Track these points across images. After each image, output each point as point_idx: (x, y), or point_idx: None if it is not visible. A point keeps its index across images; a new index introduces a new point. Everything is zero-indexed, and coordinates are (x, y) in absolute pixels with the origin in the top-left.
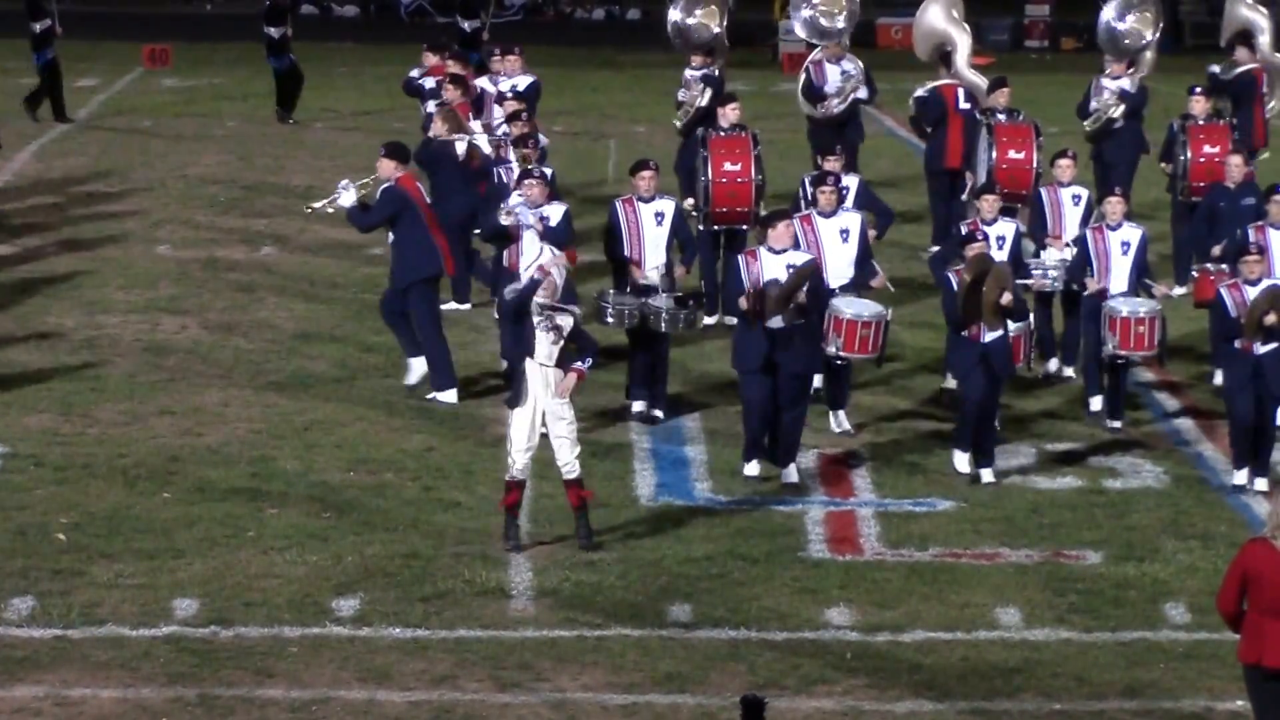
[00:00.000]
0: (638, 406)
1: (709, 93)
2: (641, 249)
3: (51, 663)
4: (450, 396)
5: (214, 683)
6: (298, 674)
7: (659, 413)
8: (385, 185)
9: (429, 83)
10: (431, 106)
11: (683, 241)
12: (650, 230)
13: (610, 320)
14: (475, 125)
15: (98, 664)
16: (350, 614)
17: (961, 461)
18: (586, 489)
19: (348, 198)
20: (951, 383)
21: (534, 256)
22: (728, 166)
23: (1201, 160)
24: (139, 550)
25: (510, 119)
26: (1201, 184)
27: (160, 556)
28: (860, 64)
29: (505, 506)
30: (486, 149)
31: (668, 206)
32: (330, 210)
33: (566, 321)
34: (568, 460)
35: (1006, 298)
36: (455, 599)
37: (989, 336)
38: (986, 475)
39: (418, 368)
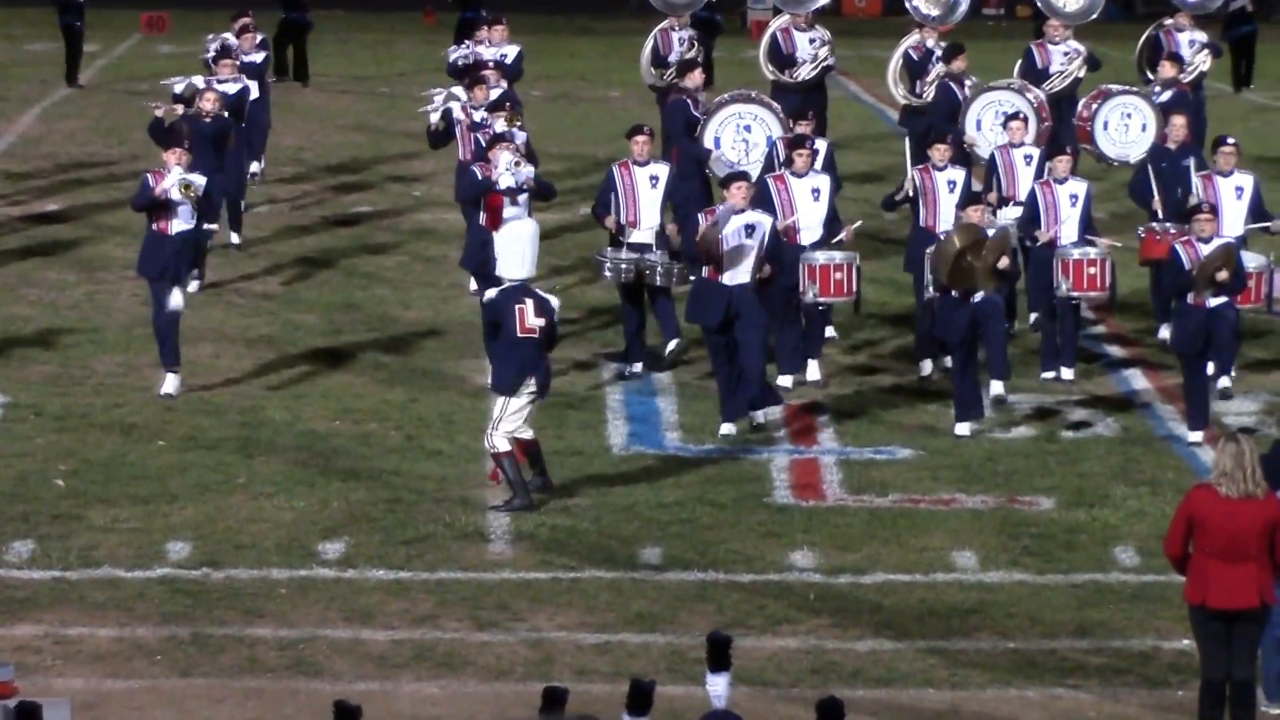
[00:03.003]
0: (637, 367)
1: (700, 50)
2: (637, 211)
3: (51, 603)
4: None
5: (206, 622)
6: (286, 614)
7: (673, 344)
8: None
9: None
10: (225, 73)
11: (676, 205)
12: (645, 193)
13: (608, 275)
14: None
15: (95, 604)
16: (336, 557)
17: (963, 428)
18: (537, 442)
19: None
20: (926, 369)
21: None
22: None
23: None
24: (134, 496)
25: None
26: None
27: (155, 502)
28: (827, 32)
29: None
30: (434, 118)
31: (662, 170)
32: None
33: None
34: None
35: (1004, 261)
36: (436, 542)
37: (979, 297)
38: (996, 388)
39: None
